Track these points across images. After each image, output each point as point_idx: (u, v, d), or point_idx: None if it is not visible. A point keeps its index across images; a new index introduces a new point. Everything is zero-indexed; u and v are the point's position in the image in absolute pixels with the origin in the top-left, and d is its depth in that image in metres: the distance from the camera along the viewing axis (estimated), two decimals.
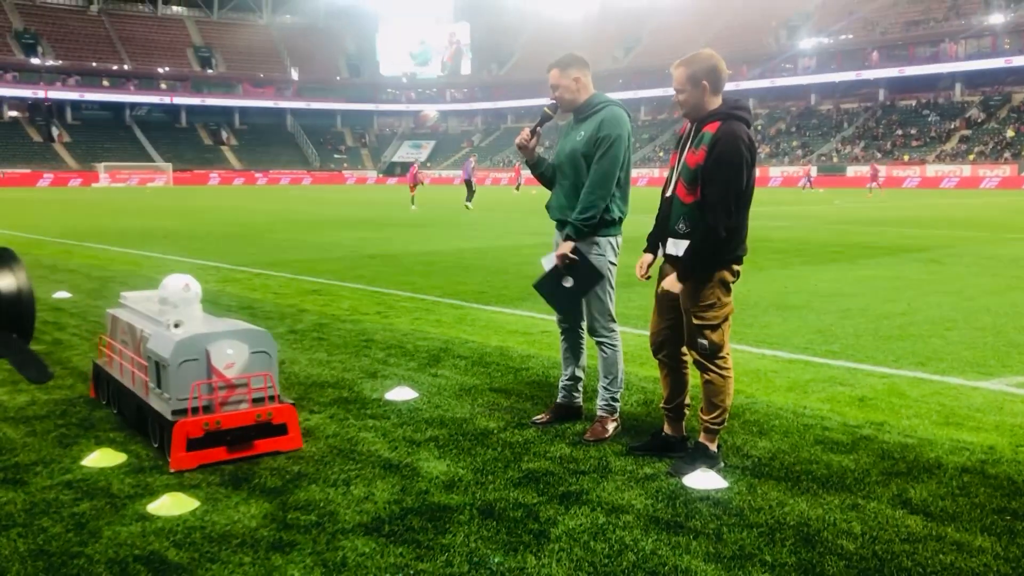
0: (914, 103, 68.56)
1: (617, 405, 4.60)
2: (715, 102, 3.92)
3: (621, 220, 4.53)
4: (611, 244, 4.52)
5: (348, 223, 22.53)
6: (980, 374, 5.80)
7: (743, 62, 76.89)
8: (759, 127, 74.39)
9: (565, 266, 4.42)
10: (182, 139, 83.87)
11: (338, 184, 77.44)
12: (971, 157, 58.02)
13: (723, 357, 4.00)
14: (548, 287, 4.52)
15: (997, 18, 63.78)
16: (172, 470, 3.95)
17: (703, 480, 3.82)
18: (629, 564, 3.08)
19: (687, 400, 4.30)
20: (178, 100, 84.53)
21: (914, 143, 63.17)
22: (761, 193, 37.91)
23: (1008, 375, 5.78)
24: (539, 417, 4.76)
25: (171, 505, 3.58)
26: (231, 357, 4.18)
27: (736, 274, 4.04)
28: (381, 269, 12.05)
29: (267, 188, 64.91)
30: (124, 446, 4.38)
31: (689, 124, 4.03)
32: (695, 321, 3.96)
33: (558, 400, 4.84)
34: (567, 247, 4.40)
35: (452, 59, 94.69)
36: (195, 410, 4.07)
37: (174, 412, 4.07)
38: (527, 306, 8.52)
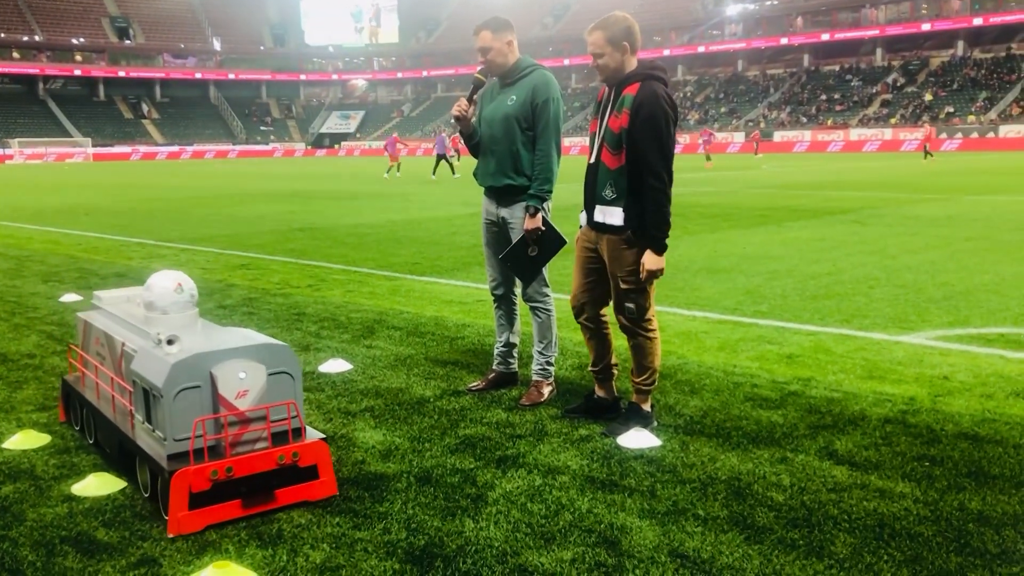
0: (837, 68, 70.01)
1: (552, 369, 4.63)
2: (633, 63, 3.92)
3: (554, 183, 4.54)
4: (547, 207, 4.52)
5: (276, 196, 22.13)
6: (901, 329, 5.99)
7: (671, 28, 77.50)
8: (688, 93, 75.19)
9: (534, 238, 4.39)
10: (101, 113, 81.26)
11: (265, 157, 75.93)
12: (892, 121, 59.60)
13: (649, 320, 4.04)
14: (515, 258, 4.48)
15: None
16: (171, 535, 3.05)
17: (637, 439, 3.87)
18: (566, 523, 3.12)
19: (614, 360, 4.33)
20: (95, 72, 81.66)
21: (838, 108, 64.59)
22: (691, 160, 38.37)
23: (928, 329, 5.98)
24: (475, 384, 4.77)
25: (98, 485, 3.49)
26: (244, 382, 3.22)
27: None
28: (311, 242, 11.88)
29: (192, 162, 63.32)
30: (48, 427, 4.25)
31: (607, 89, 4.01)
32: (623, 286, 3.98)
33: (493, 367, 4.85)
34: (536, 221, 4.36)
35: (373, 19, 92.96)
36: (199, 453, 3.13)
37: (171, 457, 3.14)
38: (461, 276, 8.50)
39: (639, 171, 3.83)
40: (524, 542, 2.98)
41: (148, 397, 3.27)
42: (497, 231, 4.61)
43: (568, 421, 4.22)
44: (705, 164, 36.39)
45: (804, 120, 64.15)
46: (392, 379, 5.01)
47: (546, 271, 4.59)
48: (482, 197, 4.70)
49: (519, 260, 4.46)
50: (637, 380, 4.09)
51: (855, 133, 59.67)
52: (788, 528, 3.05)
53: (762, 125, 65.44)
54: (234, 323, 6.52)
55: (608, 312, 4.25)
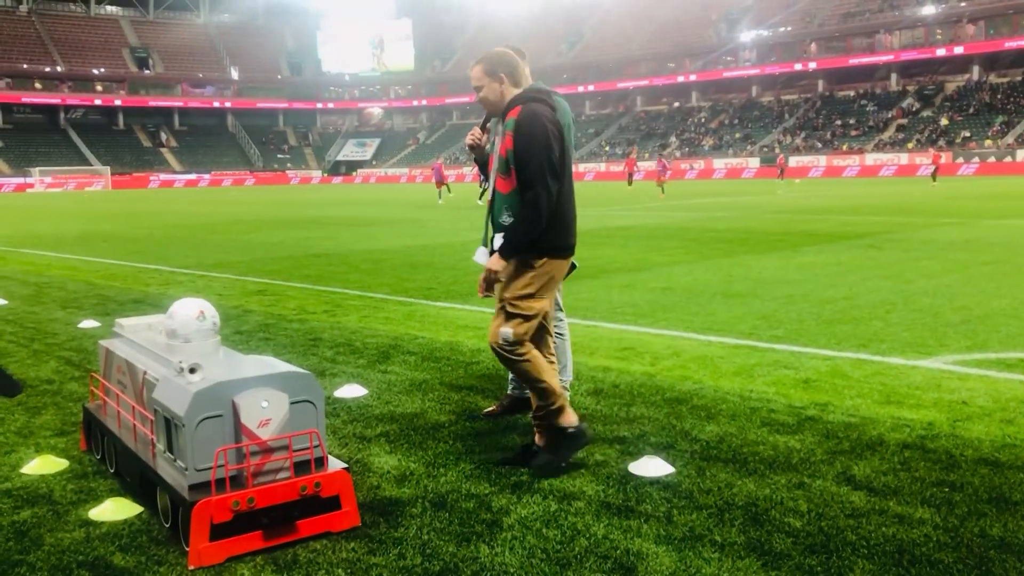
0: (852, 93, 70.05)
1: (567, 394, 4.61)
2: (515, 92, 3.89)
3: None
4: None
5: (293, 223, 22.28)
6: (919, 354, 5.94)
7: (685, 55, 77.88)
8: (702, 119, 75.35)
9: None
10: (120, 142, 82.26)
11: (282, 184, 76.53)
12: (909, 145, 59.47)
13: (526, 343, 3.84)
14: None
15: (929, 9, 65.41)
16: (191, 567, 3.03)
17: (650, 467, 3.85)
18: (581, 549, 3.10)
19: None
20: (115, 102, 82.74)
21: (853, 133, 64.55)
22: (706, 186, 38.31)
23: (945, 354, 5.93)
24: (490, 409, 4.76)
25: (115, 510, 3.50)
26: (266, 411, 3.19)
27: (561, 271, 3.91)
28: (327, 268, 11.94)
29: (209, 190, 63.90)
30: (66, 452, 4.28)
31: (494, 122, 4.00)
32: (509, 308, 3.82)
33: (508, 392, 4.84)
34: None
35: (377, 47, 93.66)
36: (220, 484, 3.11)
37: (192, 487, 3.12)
38: (476, 301, 8.51)
39: (523, 188, 3.78)
40: (539, 568, 2.97)
41: (170, 426, 3.26)
42: None
43: (584, 448, 4.20)
44: (660, 195, 33.02)
45: (819, 145, 64.12)
46: (407, 404, 5.01)
47: (560, 296, 4.60)
48: None
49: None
50: (532, 414, 3.94)
51: (871, 158, 59.57)
52: (806, 554, 3.02)
53: (777, 150, 65.44)
54: (251, 349, 6.55)
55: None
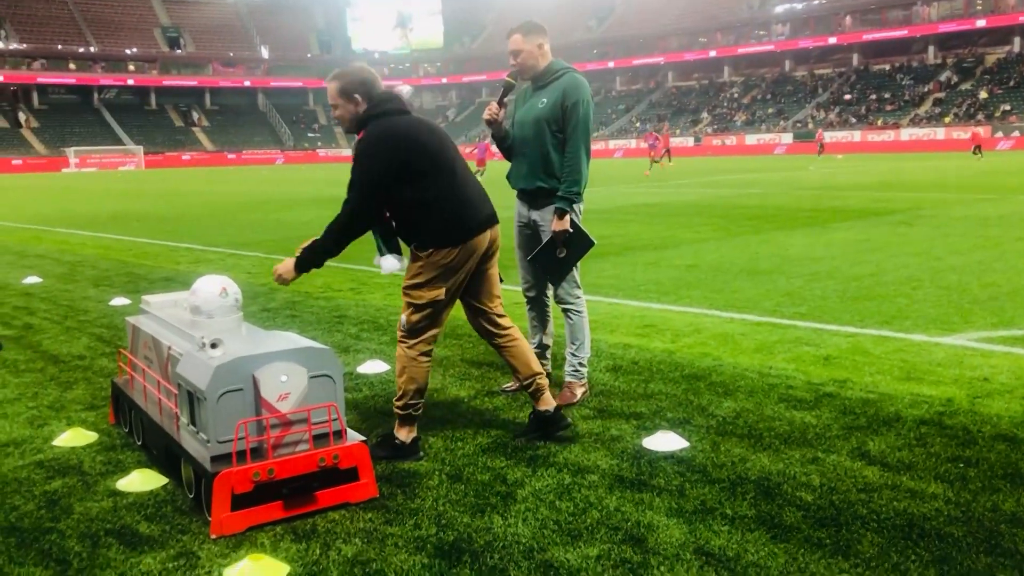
0: (888, 67, 68.86)
1: (585, 371, 4.66)
2: (361, 110, 3.79)
3: (585, 185, 4.55)
4: (578, 209, 4.55)
5: (322, 202, 22.43)
6: (943, 330, 5.91)
7: (716, 30, 76.94)
8: (734, 95, 74.51)
9: (563, 239, 4.42)
10: (152, 121, 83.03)
11: (312, 163, 76.91)
12: (946, 120, 58.43)
13: (420, 341, 3.87)
14: (544, 260, 4.51)
15: None
16: (213, 536, 3.11)
17: (665, 441, 3.89)
18: (593, 521, 3.15)
19: (536, 369, 4.05)
20: (147, 82, 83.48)
21: (888, 107, 63.51)
22: (737, 162, 37.91)
23: (970, 330, 5.89)
24: (508, 385, 4.82)
25: (141, 481, 3.61)
26: (285, 385, 3.27)
27: (455, 260, 3.78)
28: (354, 247, 11.86)
29: (240, 168, 64.40)
30: (95, 426, 4.40)
31: None
32: (404, 296, 3.87)
33: None
34: (564, 224, 4.37)
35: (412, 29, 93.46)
36: (241, 456, 3.21)
37: (214, 459, 3.21)
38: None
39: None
40: (551, 538, 3.03)
41: (192, 400, 3.35)
42: (529, 233, 4.65)
43: (600, 421, 4.25)
44: (645, 172, 32.05)
45: (853, 120, 63.19)
46: (429, 379, 5.07)
47: (577, 273, 4.63)
48: (515, 200, 4.75)
49: (548, 262, 4.50)
50: (395, 403, 3.90)
51: (906, 133, 58.62)
52: (815, 527, 3.05)
53: (810, 125, 64.60)
54: (277, 326, 6.66)
55: (507, 327, 4.10)
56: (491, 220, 3.95)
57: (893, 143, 57.78)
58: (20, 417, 4.57)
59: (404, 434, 3.87)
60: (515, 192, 4.71)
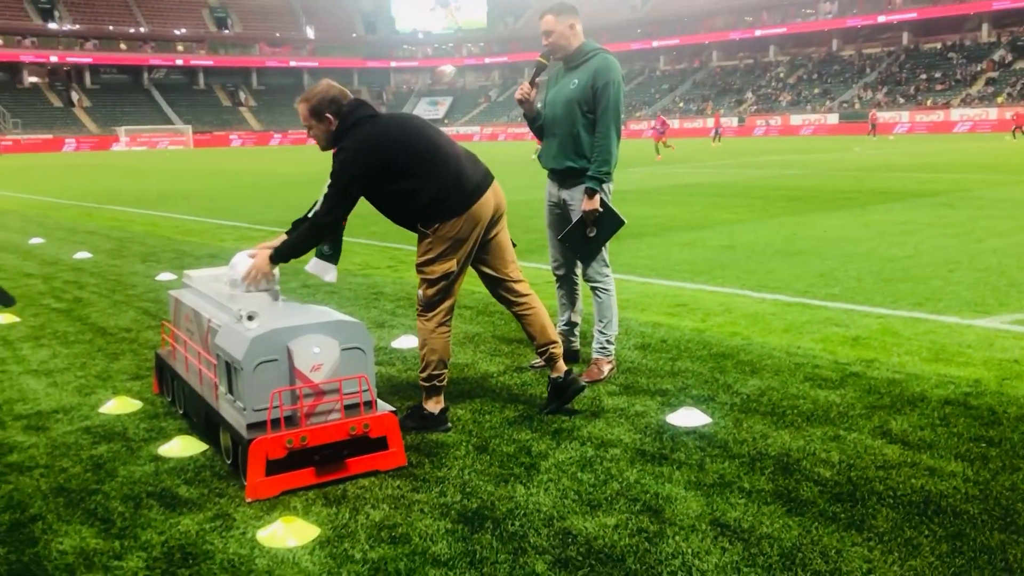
0: (939, 46, 67.28)
1: (612, 348, 4.74)
2: (333, 126, 3.85)
3: (615, 166, 4.61)
4: (608, 189, 4.61)
5: None
6: (976, 312, 5.88)
7: (762, 8, 75.76)
8: (780, 75, 73.42)
9: (593, 219, 4.50)
10: (200, 101, 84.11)
11: None
12: (999, 100, 57.02)
13: (436, 314, 3.96)
14: (574, 239, 4.59)
15: None
16: (248, 499, 3.26)
17: (688, 417, 3.96)
18: (612, 492, 3.24)
19: (552, 338, 4.15)
20: (195, 62, 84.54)
21: (938, 87, 62.12)
22: (781, 142, 37.30)
23: (1004, 313, 5.86)
24: (537, 361, 4.91)
25: (182, 447, 3.78)
26: (318, 356, 3.39)
27: (461, 230, 3.85)
28: (394, 226, 12.13)
29: (287, 148, 65.07)
30: (140, 395, 4.59)
31: None
32: (418, 273, 3.97)
33: None
34: (594, 203, 4.45)
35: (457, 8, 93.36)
36: (275, 423, 3.32)
37: (250, 426, 3.34)
38: (534, 258, 8.65)
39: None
40: (571, 508, 3.12)
41: (230, 370, 3.50)
42: (559, 213, 4.73)
43: (625, 397, 4.34)
44: (656, 156, 31.16)
45: (902, 101, 61.93)
46: (460, 355, 5.20)
47: (606, 252, 4.70)
48: (546, 180, 4.82)
49: (577, 241, 4.58)
50: (420, 376, 4.02)
51: (957, 113, 57.33)
52: (831, 502, 3.11)
53: (857, 106, 63.45)
54: (316, 302, 6.80)
55: (526, 296, 4.19)
56: (487, 180, 3.99)
57: (943, 123, 56.57)
58: (69, 386, 4.78)
59: (432, 405, 3.99)
60: (546, 172, 4.78)
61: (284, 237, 4.00)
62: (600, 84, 4.41)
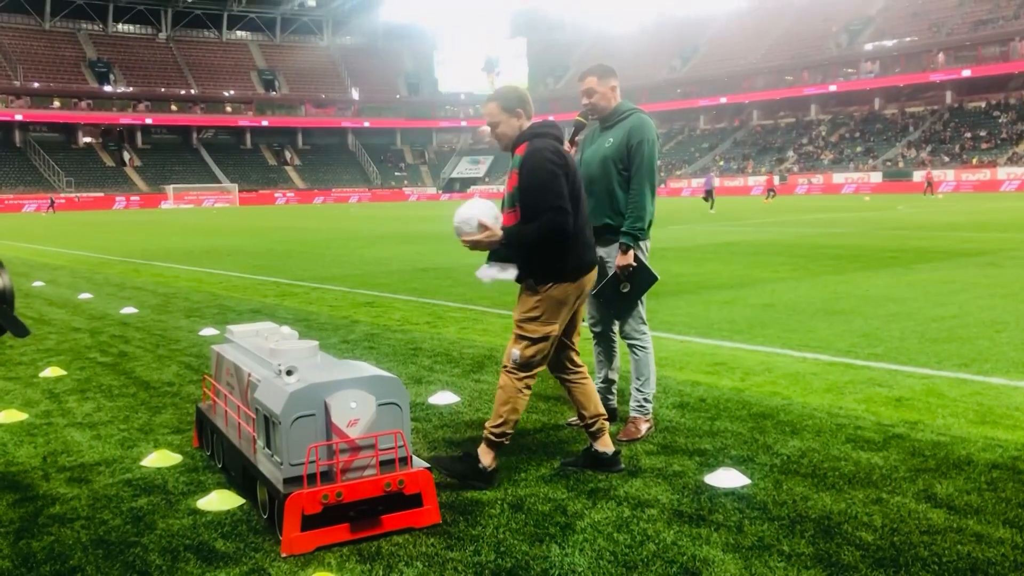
0: (983, 104, 66.88)
1: (650, 406, 4.71)
2: (524, 126, 3.96)
3: (651, 223, 4.64)
4: (645, 246, 4.64)
5: (406, 238, 22.94)
6: None
7: (803, 68, 76.06)
8: (822, 133, 73.37)
9: (626, 274, 4.54)
10: (247, 160, 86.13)
11: (399, 201, 78.52)
12: None
13: (529, 376, 3.98)
14: (608, 293, 4.63)
15: None
16: (284, 554, 3.26)
17: (727, 478, 3.90)
18: (649, 554, 3.20)
19: (597, 415, 4.14)
20: (243, 123, 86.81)
21: (983, 145, 61.58)
22: (824, 201, 37.32)
23: None
24: (573, 419, 4.89)
25: (220, 501, 3.81)
26: (355, 412, 3.42)
27: (569, 295, 3.93)
28: (433, 282, 12.30)
29: (330, 206, 66.19)
30: (180, 448, 4.64)
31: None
32: (516, 330, 3.97)
33: None
34: (628, 259, 4.50)
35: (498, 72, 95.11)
36: (311, 478, 3.34)
37: (286, 480, 3.37)
38: None
39: (534, 217, 3.83)
40: (606, 569, 3.09)
41: (268, 424, 3.54)
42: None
43: (663, 456, 4.29)
44: (710, 211, 33.78)
45: (947, 159, 61.44)
46: None
47: (643, 308, 4.70)
48: None
49: (611, 296, 4.60)
50: (487, 425, 4.00)
51: (1003, 172, 56.69)
52: (873, 567, 3.04)
53: (900, 164, 63.06)
54: (355, 357, 6.87)
55: (580, 365, 4.20)
56: (596, 259, 4.12)
57: (989, 182, 55.96)
58: (112, 439, 4.85)
59: (489, 460, 3.99)
60: None
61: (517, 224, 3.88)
62: (635, 142, 4.49)
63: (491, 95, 4.00)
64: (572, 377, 4.16)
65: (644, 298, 4.71)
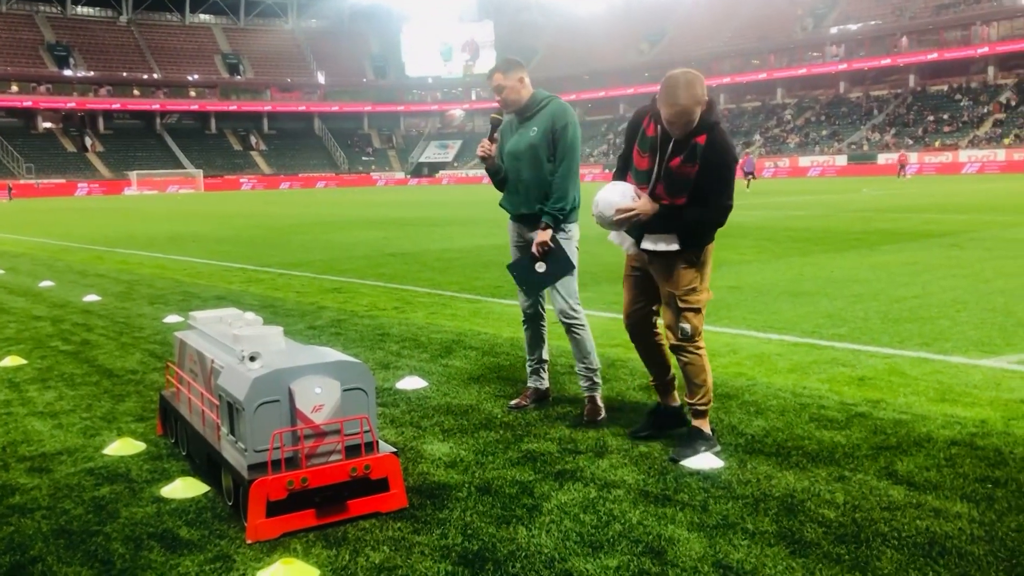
0: (946, 88, 67.71)
1: (599, 381, 4.77)
2: (698, 113, 3.91)
3: (577, 208, 4.73)
4: (575, 229, 4.76)
5: (373, 223, 22.81)
6: (983, 353, 5.85)
7: (769, 51, 76.45)
8: (788, 117, 73.92)
9: (542, 253, 4.60)
10: (212, 146, 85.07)
11: (367, 186, 78.04)
12: (1006, 141, 57.19)
13: (699, 339, 4.14)
14: (520, 271, 4.73)
15: None
16: (249, 541, 3.25)
17: (693, 459, 3.93)
18: (615, 533, 3.22)
19: (672, 373, 4.46)
20: (207, 107, 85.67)
21: (946, 128, 62.40)
22: (790, 184, 37.78)
23: (1011, 353, 5.83)
24: (515, 401, 4.94)
25: (184, 489, 3.78)
26: (319, 397, 3.40)
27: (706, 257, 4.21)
28: (401, 267, 12.26)
29: (297, 192, 65.63)
30: (144, 436, 4.59)
31: (658, 128, 4.01)
32: (680, 304, 4.09)
33: (529, 384, 5.00)
34: (546, 235, 4.58)
35: (471, 56, 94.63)
36: (276, 464, 3.32)
37: (251, 467, 3.34)
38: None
39: (704, 204, 3.99)
40: (573, 549, 3.10)
41: (232, 410, 3.51)
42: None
43: (629, 438, 4.31)
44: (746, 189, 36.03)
45: (910, 142, 62.18)
46: (464, 396, 5.20)
47: (576, 284, 4.75)
48: (509, 225, 4.94)
49: (524, 274, 4.69)
50: (692, 401, 4.17)
51: (964, 155, 57.51)
52: (835, 544, 3.08)
53: (865, 148, 63.72)
54: (322, 343, 6.83)
55: (660, 328, 4.35)
56: None
57: (951, 164, 56.75)
58: (74, 427, 4.79)
59: (708, 427, 4.15)
60: (509, 217, 4.90)
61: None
62: (560, 126, 4.59)
63: (684, 82, 3.84)
64: (657, 339, 4.39)
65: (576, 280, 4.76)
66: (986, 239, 13.50)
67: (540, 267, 4.62)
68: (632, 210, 3.99)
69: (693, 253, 4.09)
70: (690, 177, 3.94)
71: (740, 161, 41.96)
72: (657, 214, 4.00)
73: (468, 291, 9.55)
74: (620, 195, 4.04)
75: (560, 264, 4.62)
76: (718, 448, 4.08)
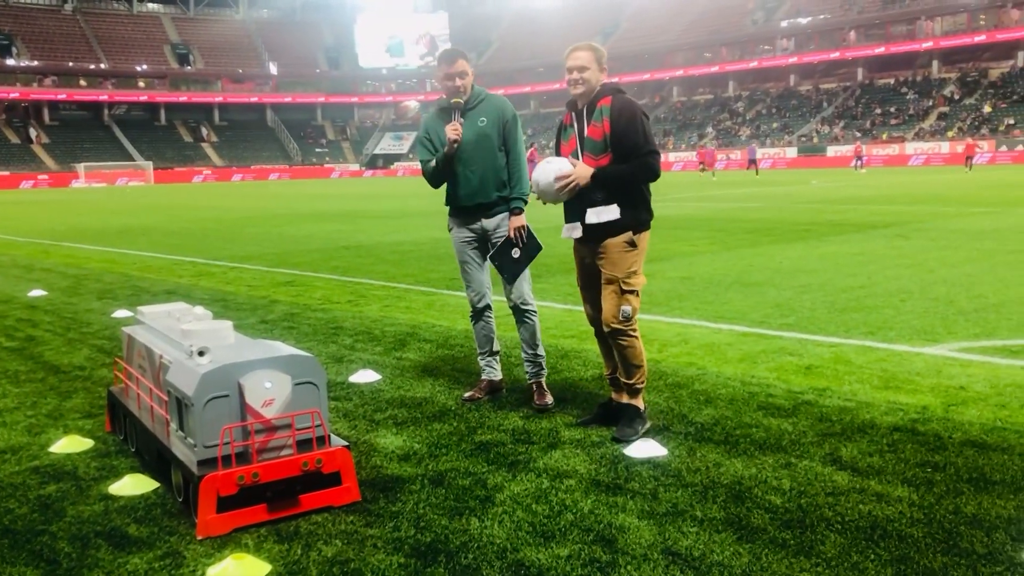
0: (892, 81, 68.97)
1: (545, 368, 4.87)
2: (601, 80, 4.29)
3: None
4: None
5: (326, 216, 22.63)
6: (926, 341, 6.00)
7: (721, 44, 77.16)
8: (740, 109, 74.74)
9: (518, 238, 4.72)
10: (162, 137, 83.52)
11: (322, 178, 77.32)
12: (950, 134, 58.47)
13: (635, 322, 4.28)
14: (502, 258, 4.78)
15: None
16: (199, 537, 3.23)
17: (643, 448, 3.99)
18: (567, 523, 3.26)
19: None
20: (157, 98, 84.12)
21: (893, 121, 63.59)
22: (742, 176, 38.11)
23: (952, 341, 5.98)
24: (468, 394, 4.97)
25: (133, 485, 3.73)
26: (270, 392, 3.39)
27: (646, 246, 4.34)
28: (355, 260, 12.19)
29: (249, 184, 64.77)
30: (92, 433, 4.52)
31: (572, 112, 4.35)
32: (623, 287, 4.19)
33: (483, 376, 5.03)
34: (522, 219, 4.72)
35: (428, 49, 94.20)
36: (226, 460, 3.32)
37: (200, 463, 3.32)
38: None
39: (628, 157, 4.15)
40: (524, 540, 3.13)
41: (181, 406, 3.48)
42: (477, 246, 4.91)
43: (582, 429, 4.36)
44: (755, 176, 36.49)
45: (858, 135, 63.25)
46: (418, 389, 5.20)
47: (529, 277, 4.85)
48: (450, 219, 4.96)
49: (504, 261, 4.76)
50: (630, 381, 4.30)
51: (911, 147, 58.67)
52: (781, 529, 3.15)
53: (815, 140, 64.70)
54: (274, 337, 6.78)
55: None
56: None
57: (898, 156, 57.87)
58: (18, 425, 4.70)
59: (642, 403, 4.33)
60: (450, 210, 4.93)
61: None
62: (510, 116, 4.79)
63: (584, 44, 4.25)
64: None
65: (528, 271, 4.86)
66: (930, 230, 13.82)
67: (515, 252, 4.72)
68: (569, 175, 4.13)
69: (632, 233, 4.20)
70: (605, 133, 4.14)
71: (742, 151, 43.16)
72: (594, 178, 4.13)
73: (423, 283, 9.53)
74: (557, 165, 4.19)
75: (532, 247, 4.75)
76: (648, 425, 4.28)
